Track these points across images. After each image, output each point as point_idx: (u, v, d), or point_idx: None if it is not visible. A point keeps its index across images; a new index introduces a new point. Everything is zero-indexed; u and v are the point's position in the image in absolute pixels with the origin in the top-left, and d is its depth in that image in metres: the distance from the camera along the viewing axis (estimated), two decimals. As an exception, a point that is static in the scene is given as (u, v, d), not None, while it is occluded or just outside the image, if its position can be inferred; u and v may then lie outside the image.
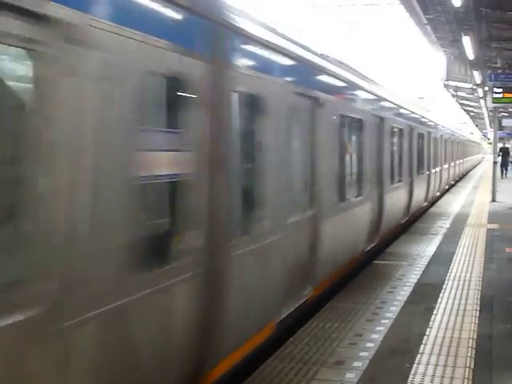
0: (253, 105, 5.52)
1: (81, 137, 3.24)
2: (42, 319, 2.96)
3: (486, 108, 38.03)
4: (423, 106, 22.22)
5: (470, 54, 19.10)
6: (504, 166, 35.49)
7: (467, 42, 17.37)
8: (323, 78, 7.94)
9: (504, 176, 34.50)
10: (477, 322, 6.77)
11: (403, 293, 8.07)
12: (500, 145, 41.53)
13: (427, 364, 5.50)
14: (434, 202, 20.22)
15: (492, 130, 25.91)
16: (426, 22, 18.58)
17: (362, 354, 5.77)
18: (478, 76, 25.00)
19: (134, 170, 3.72)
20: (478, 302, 7.56)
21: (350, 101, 9.31)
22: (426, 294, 7.98)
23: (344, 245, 8.62)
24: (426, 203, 17.93)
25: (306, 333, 6.41)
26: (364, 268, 9.72)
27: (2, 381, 2.79)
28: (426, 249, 11.44)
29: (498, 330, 6.53)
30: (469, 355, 5.70)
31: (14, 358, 2.85)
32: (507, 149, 37.61)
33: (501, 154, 35.54)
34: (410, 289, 8.30)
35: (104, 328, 3.49)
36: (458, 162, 31.31)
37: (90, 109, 3.30)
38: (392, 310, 7.24)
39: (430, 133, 18.75)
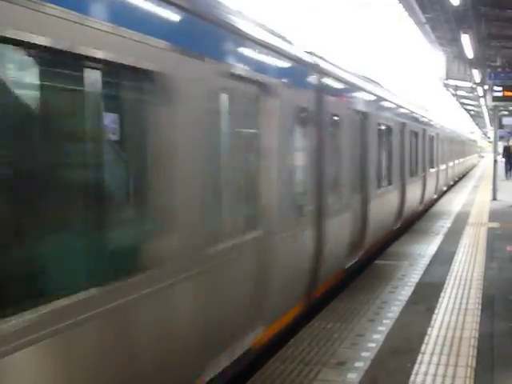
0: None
1: None
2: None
3: (486, 107, 38.00)
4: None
5: (470, 52, 19.10)
6: (509, 165, 33.92)
7: (466, 40, 17.37)
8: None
9: (509, 176, 32.91)
10: (478, 320, 6.76)
11: (404, 292, 8.07)
12: (501, 143, 41.24)
13: (429, 363, 5.49)
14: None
15: (492, 128, 25.88)
16: (424, 21, 18.57)
17: (363, 354, 5.77)
18: (477, 75, 24.99)
19: None
20: (480, 301, 7.56)
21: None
22: (427, 294, 7.98)
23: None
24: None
25: (308, 333, 6.41)
26: (365, 268, 9.72)
27: None
28: (427, 248, 11.43)
29: (499, 328, 6.53)
30: (470, 354, 5.70)
31: None
32: (510, 147, 35.43)
33: (504, 153, 34.13)
34: (412, 288, 8.30)
35: None
36: (434, 170, 20.01)
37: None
38: (393, 310, 7.24)
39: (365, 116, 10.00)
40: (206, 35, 4.60)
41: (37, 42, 2.94)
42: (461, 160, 35.56)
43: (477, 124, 75.05)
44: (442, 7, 16.53)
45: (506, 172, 33.15)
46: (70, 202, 3.46)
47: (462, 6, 14.66)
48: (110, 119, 3.87)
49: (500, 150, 34.82)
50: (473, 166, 54.19)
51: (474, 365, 5.45)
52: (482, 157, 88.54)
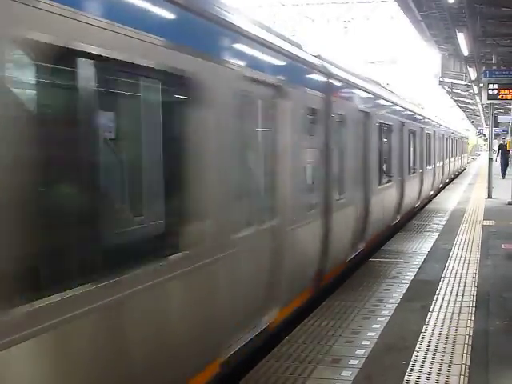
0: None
1: None
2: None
3: (482, 105, 38.06)
4: None
5: (465, 50, 19.12)
6: (504, 164, 31.64)
7: (461, 38, 17.37)
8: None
9: (505, 176, 30.12)
10: (473, 318, 6.77)
11: (399, 290, 8.07)
12: (496, 142, 41.09)
13: (423, 361, 5.49)
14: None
15: (487, 126, 25.91)
16: (420, 18, 18.58)
17: (358, 351, 5.77)
18: (472, 73, 25.04)
19: None
20: (474, 299, 7.56)
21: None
22: (422, 291, 7.98)
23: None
24: None
25: (303, 331, 6.40)
26: (360, 266, 9.72)
27: None
28: (422, 246, 11.44)
29: (493, 326, 6.53)
30: (465, 352, 5.70)
31: None
32: (507, 146, 33.26)
33: (500, 151, 32.56)
34: (406, 286, 8.30)
35: None
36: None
37: None
38: (388, 308, 7.23)
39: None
40: None
41: None
42: (446, 162, 27.73)
43: (472, 122, 75.17)
44: (437, 5, 16.55)
45: (502, 171, 31.20)
46: None
47: (457, 4, 14.67)
48: None
49: (495, 148, 34.62)
50: (462, 169, 42.90)
51: (468, 362, 5.45)
52: (478, 155, 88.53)
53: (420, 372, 5.24)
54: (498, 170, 30.28)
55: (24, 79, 3.13)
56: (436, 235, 12.73)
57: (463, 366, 5.36)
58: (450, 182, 29.81)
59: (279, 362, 5.54)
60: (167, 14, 4.25)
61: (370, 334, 6.28)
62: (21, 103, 3.09)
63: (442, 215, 16.21)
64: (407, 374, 5.22)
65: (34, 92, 3.24)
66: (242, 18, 5.73)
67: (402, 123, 14.30)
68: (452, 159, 31.26)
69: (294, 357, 5.66)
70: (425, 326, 6.48)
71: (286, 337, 6.23)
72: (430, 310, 7.12)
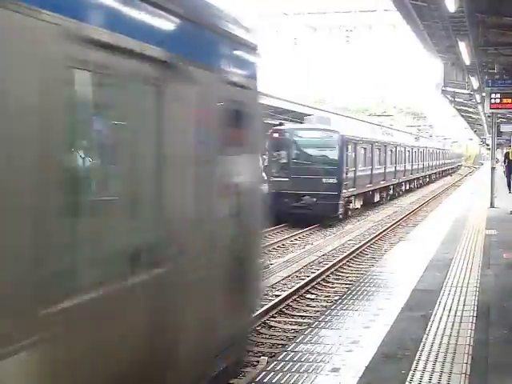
0: None
1: None
2: None
3: (484, 114, 38.06)
4: None
5: (467, 59, 19.12)
6: (510, 176, 27.84)
7: (463, 47, 17.39)
8: None
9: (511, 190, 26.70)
10: (473, 328, 6.75)
11: (400, 299, 8.05)
12: (500, 151, 40.85)
13: (423, 371, 5.48)
14: None
15: (490, 136, 25.89)
16: (422, 28, 18.61)
17: (358, 361, 5.75)
18: (475, 82, 25.01)
19: None
20: (475, 308, 7.54)
21: None
22: (422, 301, 7.97)
23: None
24: None
25: (302, 339, 6.39)
26: (361, 275, 9.71)
27: None
28: (423, 255, 11.41)
29: (494, 336, 6.51)
30: (465, 362, 5.68)
31: None
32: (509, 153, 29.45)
33: (505, 161, 29.05)
34: (407, 295, 8.28)
35: None
36: None
37: None
38: (389, 317, 7.21)
39: None
40: None
41: None
42: None
43: (475, 131, 75.14)
44: (439, 14, 16.58)
45: (509, 183, 27.40)
46: None
47: (459, 13, 14.70)
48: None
49: (498, 157, 34.23)
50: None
51: (468, 372, 5.43)
52: (481, 164, 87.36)
53: (420, 381, 5.23)
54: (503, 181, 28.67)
55: None
56: (438, 244, 12.71)
57: (463, 375, 5.35)
58: None
59: (278, 371, 5.53)
60: None
61: (370, 343, 6.27)
62: None
63: (444, 224, 16.19)
64: (407, 383, 5.20)
65: None
66: None
67: None
68: None
69: (293, 366, 5.64)
70: (425, 336, 6.47)
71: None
72: (431, 319, 7.10)
